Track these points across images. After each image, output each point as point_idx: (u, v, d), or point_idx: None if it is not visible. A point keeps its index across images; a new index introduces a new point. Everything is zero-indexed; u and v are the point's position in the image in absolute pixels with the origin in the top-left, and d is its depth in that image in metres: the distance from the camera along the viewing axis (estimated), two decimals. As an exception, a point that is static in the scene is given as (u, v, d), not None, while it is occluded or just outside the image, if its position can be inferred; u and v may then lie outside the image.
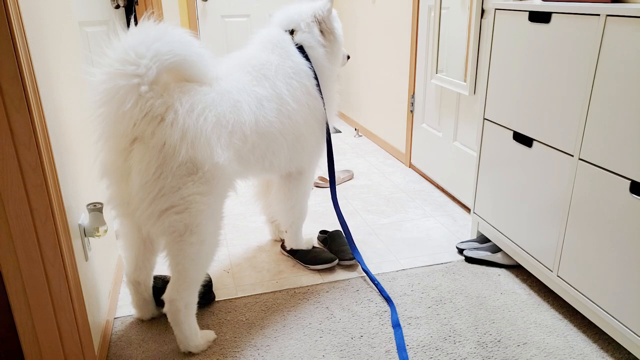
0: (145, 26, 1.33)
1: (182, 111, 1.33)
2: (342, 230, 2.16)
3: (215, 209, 1.47)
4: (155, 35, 1.31)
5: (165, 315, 1.74)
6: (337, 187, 2.89)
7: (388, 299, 1.79)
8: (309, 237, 2.16)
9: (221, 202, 1.51)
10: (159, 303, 1.76)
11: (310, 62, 1.77)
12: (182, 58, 1.35)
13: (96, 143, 1.37)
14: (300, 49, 1.77)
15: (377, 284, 1.88)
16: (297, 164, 1.84)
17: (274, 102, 1.62)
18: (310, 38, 1.79)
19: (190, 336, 1.53)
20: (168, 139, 1.31)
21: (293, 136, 1.71)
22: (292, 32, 1.80)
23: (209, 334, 1.60)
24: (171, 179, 1.33)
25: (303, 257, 2.05)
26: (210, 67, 1.45)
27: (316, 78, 1.77)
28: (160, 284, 1.74)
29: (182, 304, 1.48)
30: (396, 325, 1.66)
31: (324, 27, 1.82)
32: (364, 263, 1.97)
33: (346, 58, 2.02)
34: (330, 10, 1.82)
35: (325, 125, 1.84)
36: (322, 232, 2.25)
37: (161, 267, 2.10)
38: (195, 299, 1.52)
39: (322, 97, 1.80)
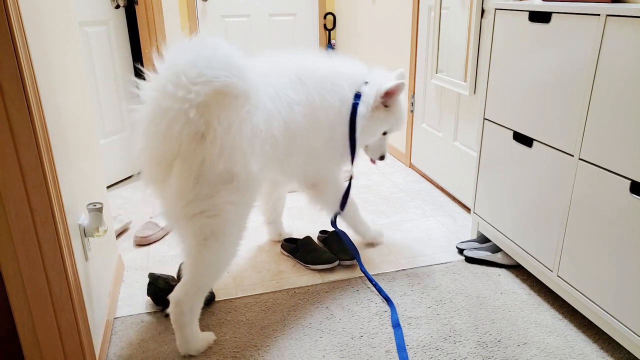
0: (195, 46, 1.35)
1: (220, 130, 1.35)
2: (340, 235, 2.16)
3: (242, 218, 1.53)
4: (206, 58, 1.32)
5: (165, 315, 1.74)
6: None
7: (388, 299, 1.79)
8: (378, 229, 2.25)
9: (249, 211, 1.56)
10: (159, 303, 1.76)
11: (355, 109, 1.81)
12: (230, 82, 1.36)
13: (138, 154, 1.41)
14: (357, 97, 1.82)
15: (375, 284, 1.88)
16: (310, 175, 1.88)
17: (303, 107, 1.66)
18: (369, 94, 1.83)
19: (192, 340, 1.53)
20: (208, 155, 1.36)
21: (311, 145, 1.75)
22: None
23: (209, 336, 1.60)
24: (207, 187, 1.39)
25: (303, 257, 2.05)
26: (251, 84, 1.44)
27: (352, 124, 1.82)
28: (162, 284, 1.74)
29: (187, 307, 1.49)
30: (396, 325, 1.66)
31: (382, 100, 1.85)
32: (362, 264, 1.97)
33: (381, 154, 2.04)
34: (390, 91, 1.83)
35: (344, 155, 1.88)
36: (322, 232, 2.25)
37: (163, 267, 2.09)
38: (200, 304, 1.53)
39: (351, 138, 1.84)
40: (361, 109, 1.81)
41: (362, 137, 1.89)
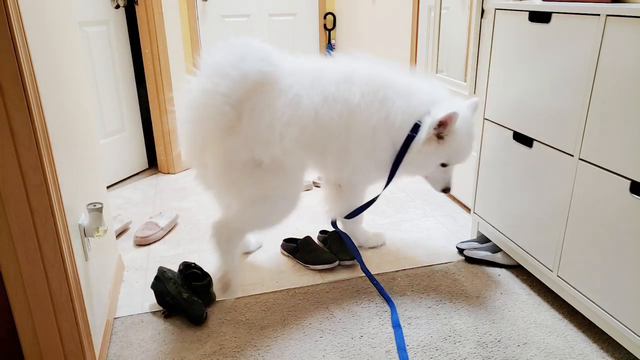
0: (229, 46, 1.56)
1: (246, 121, 1.54)
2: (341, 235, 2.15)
3: (279, 193, 1.68)
4: (240, 54, 1.53)
5: (164, 315, 1.74)
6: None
7: (388, 300, 1.79)
8: (378, 232, 2.22)
9: (288, 187, 1.69)
10: (161, 303, 1.76)
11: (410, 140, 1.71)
12: (264, 75, 1.54)
13: (181, 139, 1.72)
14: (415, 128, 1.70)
15: (376, 284, 1.88)
16: (337, 173, 1.85)
17: (340, 104, 1.64)
18: (425, 125, 1.68)
19: (227, 266, 1.74)
20: (234, 145, 1.56)
21: (344, 144, 1.70)
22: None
23: (238, 280, 1.82)
24: (235, 171, 1.60)
25: (303, 257, 2.05)
26: (282, 73, 1.59)
27: (404, 149, 1.72)
28: (172, 289, 1.71)
29: (224, 236, 1.70)
30: (396, 325, 1.66)
31: (436, 131, 1.69)
32: (363, 264, 1.97)
33: (443, 186, 1.87)
34: (443, 121, 1.65)
35: (378, 171, 1.81)
36: (322, 232, 2.25)
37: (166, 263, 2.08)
38: (237, 241, 1.74)
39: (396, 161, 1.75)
40: (414, 142, 1.70)
41: (410, 168, 1.77)
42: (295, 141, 1.60)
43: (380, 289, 1.85)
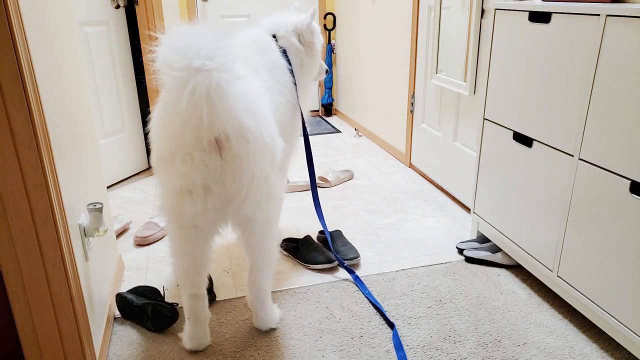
0: None
1: None
2: (340, 230, 2.15)
3: None
4: None
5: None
6: (337, 187, 2.90)
7: (388, 320, 1.72)
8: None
9: None
10: (129, 314, 1.73)
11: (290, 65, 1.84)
12: None
13: None
14: (284, 52, 1.83)
15: (369, 298, 1.88)
16: None
17: (269, 92, 1.67)
18: (291, 45, 1.84)
19: (275, 313, 1.68)
20: None
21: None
22: (274, 37, 1.85)
23: (279, 311, 1.73)
24: None
25: (303, 257, 2.05)
26: None
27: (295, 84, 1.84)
28: (135, 298, 1.71)
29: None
30: (398, 347, 1.57)
31: (302, 40, 1.86)
32: (340, 261, 1.96)
33: (324, 72, 2.07)
34: (310, 25, 1.86)
35: (298, 123, 1.90)
36: (322, 232, 2.25)
37: (163, 267, 2.08)
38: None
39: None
40: (296, 58, 1.88)
41: (307, 79, 1.94)
42: None
43: (373, 299, 1.83)
